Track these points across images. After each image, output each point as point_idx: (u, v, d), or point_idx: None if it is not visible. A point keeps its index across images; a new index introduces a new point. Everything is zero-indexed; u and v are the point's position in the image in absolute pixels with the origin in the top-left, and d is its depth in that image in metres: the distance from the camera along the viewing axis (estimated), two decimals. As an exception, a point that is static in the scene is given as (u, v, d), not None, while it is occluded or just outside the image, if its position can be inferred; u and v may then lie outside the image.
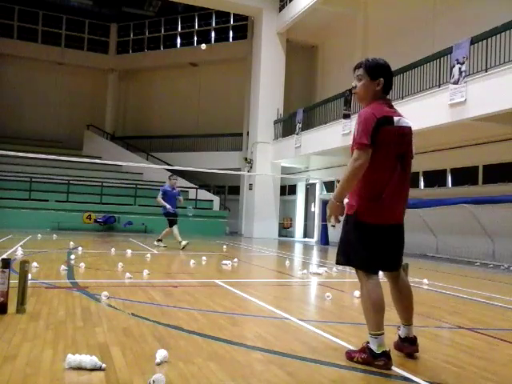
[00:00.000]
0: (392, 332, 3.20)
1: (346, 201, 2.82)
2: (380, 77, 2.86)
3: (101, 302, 4.28)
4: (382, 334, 2.74)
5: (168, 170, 20.31)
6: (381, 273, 3.00)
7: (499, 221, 10.43)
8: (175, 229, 11.35)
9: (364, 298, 2.83)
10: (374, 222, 2.79)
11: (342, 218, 2.87)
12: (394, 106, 2.96)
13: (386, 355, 2.70)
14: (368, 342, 2.78)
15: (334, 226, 2.95)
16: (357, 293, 5.17)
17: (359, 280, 2.90)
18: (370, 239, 2.81)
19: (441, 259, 11.61)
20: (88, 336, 3.12)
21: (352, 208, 2.83)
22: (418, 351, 2.99)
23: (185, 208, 12.10)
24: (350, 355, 2.84)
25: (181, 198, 11.67)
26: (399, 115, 2.88)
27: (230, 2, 19.09)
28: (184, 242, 10.97)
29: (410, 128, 2.93)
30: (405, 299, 3.04)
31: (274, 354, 2.92)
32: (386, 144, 2.75)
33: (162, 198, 11.23)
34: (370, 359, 2.73)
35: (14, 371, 2.40)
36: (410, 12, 15.02)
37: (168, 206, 11.11)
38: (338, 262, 2.99)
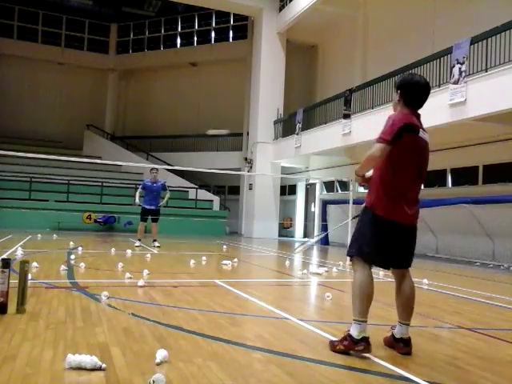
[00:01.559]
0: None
1: (368, 174, 3.11)
2: (398, 89, 3.14)
3: (101, 301, 4.29)
4: (365, 321, 2.92)
5: (168, 169, 20.38)
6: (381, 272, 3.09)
7: (499, 221, 10.43)
8: (141, 225, 10.98)
9: (355, 285, 3.00)
10: (388, 217, 2.97)
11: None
12: (421, 121, 3.15)
13: (365, 340, 2.88)
14: (349, 330, 2.93)
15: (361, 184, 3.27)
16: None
17: (353, 268, 3.09)
18: (381, 233, 2.99)
19: (441, 259, 11.61)
20: (88, 336, 3.12)
21: (370, 202, 3.05)
22: (411, 353, 3.04)
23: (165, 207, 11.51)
24: (332, 345, 3.00)
25: (167, 194, 11.07)
26: (423, 129, 3.10)
27: (230, 2, 19.09)
28: (138, 243, 10.59)
29: (427, 143, 3.14)
30: (408, 299, 3.13)
31: (273, 354, 2.92)
32: (409, 149, 2.99)
33: (143, 194, 10.87)
34: (351, 345, 2.88)
35: (14, 371, 2.40)
36: (409, 12, 15.01)
37: (136, 202, 10.81)
38: (350, 254, 3.16)
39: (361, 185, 3.27)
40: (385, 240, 2.99)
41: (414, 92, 3.09)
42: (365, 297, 2.94)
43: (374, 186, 3.07)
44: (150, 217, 11.09)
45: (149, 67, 25.89)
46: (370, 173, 3.12)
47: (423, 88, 3.10)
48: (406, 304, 3.11)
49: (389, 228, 2.98)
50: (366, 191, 3.21)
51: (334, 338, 3.16)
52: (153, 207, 10.96)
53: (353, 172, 3.26)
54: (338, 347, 2.94)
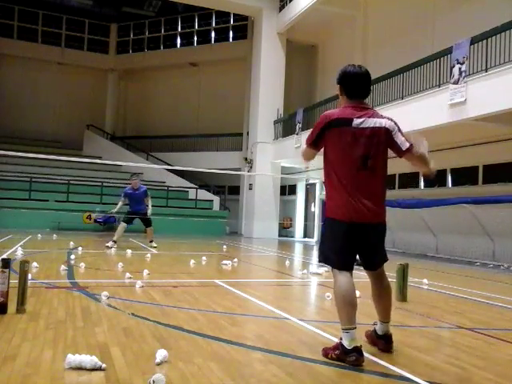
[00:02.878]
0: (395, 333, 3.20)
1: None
2: (338, 83, 3.11)
3: (101, 301, 4.29)
4: (354, 328, 2.81)
5: (168, 169, 20.38)
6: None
7: (499, 221, 10.43)
8: (122, 226, 10.67)
9: (335, 294, 2.94)
10: (339, 218, 2.93)
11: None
12: (372, 109, 3.06)
13: (357, 351, 2.77)
14: (341, 339, 2.86)
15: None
16: (357, 293, 5.17)
17: (332, 275, 3.01)
18: (337, 235, 2.95)
19: (441, 259, 11.60)
20: (88, 336, 3.12)
21: (325, 206, 3.06)
22: (392, 349, 3.06)
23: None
24: (325, 352, 2.92)
25: (148, 201, 10.69)
26: (371, 116, 2.97)
27: (230, 1, 19.09)
28: (110, 244, 10.12)
29: (380, 128, 2.97)
30: (384, 298, 3.12)
31: (273, 354, 2.92)
32: (340, 144, 2.92)
33: (126, 203, 10.65)
34: (342, 355, 2.79)
35: (14, 371, 2.40)
36: (409, 12, 15.01)
37: (113, 211, 10.83)
38: (319, 260, 3.17)
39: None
40: (340, 241, 2.93)
41: (351, 83, 3.03)
42: (348, 303, 2.85)
43: (326, 191, 3.08)
44: (139, 220, 10.86)
45: (149, 67, 25.88)
46: None
47: (359, 76, 3.02)
48: (382, 304, 3.10)
49: (337, 228, 2.93)
50: None
51: (327, 345, 3.06)
52: (138, 210, 10.68)
53: None
54: (329, 355, 2.86)
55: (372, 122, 2.96)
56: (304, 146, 3.12)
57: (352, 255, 2.99)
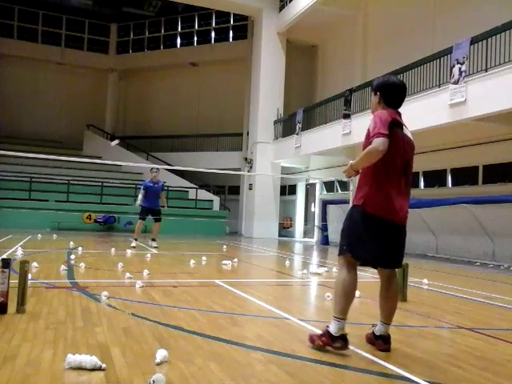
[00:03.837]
0: (391, 332, 3.20)
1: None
2: (378, 91, 3.21)
3: (101, 301, 4.29)
4: (344, 319, 2.97)
5: (168, 169, 20.37)
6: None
7: (499, 221, 10.43)
8: (139, 223, 10.92)
9: (338, 283, 3.04)
10: (379, 214, 2.97)
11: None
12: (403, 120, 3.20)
13: (343, 338, 2.93)
14: (328, 326, 2.98)
15: (349, 178, 3.30)
16: (357, 293, 5.16)
17: (339, 265, 3.09)
18: (373, 230, 2.98)
19: (441, 259, 11.61)
20: (88, 336, 3.12)
21: (360, 199, 3.04)
22: (389, 350, 3.09)
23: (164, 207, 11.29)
24: (311, 338, 3.06)
25: (163, 196, 11.04)
26: (407, 128, 3.17)
27: (230, 1, 19.09)
28: (134, 243, 10.37)
29: (413, 142, 3.18)
30: (393, 301, 3.17)
31: (273, 354, 2.92)
32: (396, 145, 2.99)
33: (144, 195, 10.75)
34: (329, 342, 2.94)
35: (14, 371, 2.40)
36: (409, 12, 15.01)
37: (138, 202, 10.81)
38: (341, 252, 3.12)
39: (350, 177, 3.17)
40: (376, 238, 2.98)
41: (392, 93, 3.18)
42: (347, 295, 2.98)
43: (364, 183, 3.06)
44: (151, 216, 11.02)
45: (149, 67, 25.88)
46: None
47: (401, 88, 3.22)
48: (390, 306, 3.15)
49: (380, 226, 2.98)
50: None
51: (314, 332, 3.21)
52: (153, 206, 10.88)
53: None
54: (316, 342, 3.00)
55: (408, 133, 3.16)
56: (378, 139, 2.85)
57: (379, 249, 3.01)
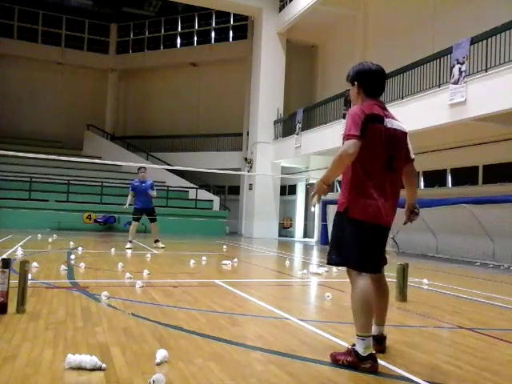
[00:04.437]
0: (391, 332, 3.19)
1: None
2: (355, 81, 2.99)
3: (101, 301, 4.29)
4: (370, 336, 2.73)
5: (168, 169, 20.38)
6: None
7: (499, 221, 10.43)
8: (133, 225, 10.79)
9: (355, 299, 2.79)
10: (364, 219, 2.80)
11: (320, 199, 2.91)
12: (389, 109, 3.01)
13: (372, 358, 2.68)
14: (354, 345, 2.76)
15: (314, 206, 3.02)
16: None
17: (351, 280, 2.88)
18: (363, 237, 2.80)
19: (441, 259, 11.60)
20: (88, 336, 3.12)
21: (343, 205, 2.87)
22: (384, 351, 3.00)
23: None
24: (334, 358, 2.80)
25: (153, 192, 10.75)
26: (392, 118, 2.95)
27: (230, 1, 19.08)
28: (129, 245, 10.20)
29: (402, 132, 2.97)
30: (383, 300, 3.07)
31: (273, 354, 2.92)
32: (374, 141, 2.79)
33: (133, 195, 10.66)
34: (356, 362, 2.69)
35: (14, 371, 2.40)
36: (409, 12, 15.01)
37: (125, 206, 10.77)
38: (331, 262, 2.99)
39: (319, 197, 2.85)
40: (366, 243, 2.81)
41: (371, 80, 2.97)
42: (366, 309, 2.74)
43: (344, 188, 2.89)
44: (145, 216, 10.93)
45: (149, 67, 25.88)
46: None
47: (379, 74, 2.99)
48: (383, 306, 3.05)
49: (366, 230, 2.80)
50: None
51: (336, 351, 2.95)
52: (145, 206, 10.75)
53: None
54: (341, 361, 2.75)
55: (396, 124, 2.94)
56: (345, 145, 2.72)
57: (374, 255, 2.87)
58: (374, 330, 3.01)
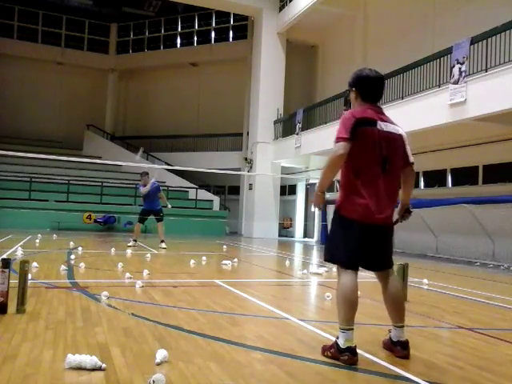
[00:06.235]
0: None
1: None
2: (353, 87, 3.11)
3: (101, 301, 4.29)
4: (351, 329, 2.83)
5: (168, 169, 20.37)
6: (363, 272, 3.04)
7: (499, 221, 10.43)
8: (137, 226, 11.13)
9: (337, 293, 2.92)
10: (354, 217, 2.90)
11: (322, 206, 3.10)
12: (385, 113, 3.09)
13: (350, 350, 2.77)
14: (337, 337, 2.87)
15: (319, 208, 3.22)
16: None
17: (337, 274, 3.00)
18: (350, 234, 2.92)
19: (441, 259, 11.60)
20: (88, 336, 3.12)
21: (337, 203, 3.01)
22: (409, 356, 2.97)
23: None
24: (323, 349, 2.96)
25: (162, 195, 11.23)
26: (387, 121, 3.03)
27: (230, 1, 19.09)
28: (132, 243, 10.57)
29: (398, 135, 3.05)
30: (394, 300, 3.08)
31: (273, 354, 2.92)
32: (366, 144, 2.89)
33: (143, 198, 11.00)
34: (337, 354, 2.82)
35: (14, 371, 2.40)
36: (409, 12, 15.01)
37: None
38: (325, 259, 3.12)
39: (319, 206, 3.08)
40: (353, 241, 2.90)
41: (368, 87, 3.06)
42: (348, 304, 2.84)
43: (340, 187, 3.02)
44: (153, 217, 11.08)
45: (149, 67, 25.89)
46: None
47: (377, 80, 3.08)
48: (394, 306, 3.05)
49: (354, 228, 2.90)
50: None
51: (327, 343, 3.08)
52: (153, 207, 10.93)
53: None
54: (325, 353, 2.89)
55: (391, 127, 3.02)
56: (335, 147, 2.85)
57: (361, 255, 2.94)
58: (394, 334, 3.03)
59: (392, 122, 3.05)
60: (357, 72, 3.14)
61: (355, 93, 3.09)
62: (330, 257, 3.06)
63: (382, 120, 2.99)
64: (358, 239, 2.91)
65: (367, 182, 2.90)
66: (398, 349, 2.98)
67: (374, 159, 2.91)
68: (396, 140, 3.01)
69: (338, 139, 2.87)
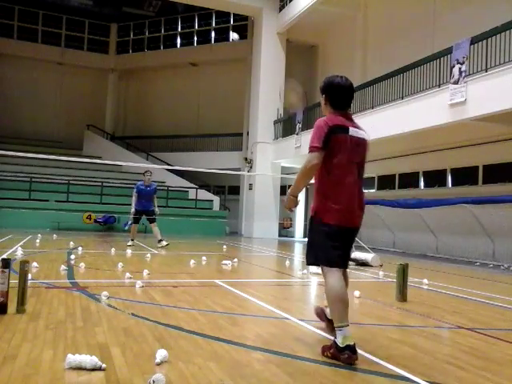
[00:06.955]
0: (391, 332, 3.19)
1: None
2: (323, 93, 3.18)
3: (101, 301, 4.29)
4: (346, 325, 2.85)
5: (168, 169, 20.38)
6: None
7: (499, 221, 10.43)
8: (133, 227, 11.15)
9: (328, 293, 2.97)
10: (330, 222, 3.00)
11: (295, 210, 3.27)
12: (354, 120, 3.20)
13: (350, 349, 2.78)
14: (335, 337, 2.89)
15: (291, 211, 3.33)
16: (357, 293, 5.17)
17: (323, 276, 3.07)
18: (329, 236, 3.00)
19: (441, 259, 11.60)
20: (88, 336, 3.12)
21: (313, 210, 3.10)
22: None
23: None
24: (322, 350, 2.97)
25: (155, 198, 11.07)
26: (357, 127, 3.13)
27: (230, 1, 19.08)
28: (130, 243, 10.70)
29: (365, 140, 3.17)
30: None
31: (273, 354, 2.92)
32: (339, 150, 2.99)
33: (137, 198, 10.88)
34: (336, 353, 2.82)
35: (14, 371, 2.41)
36: (409, 12, 15.01)
37: (133, 210, 10.91)
38: (308, 263, 3.21)
39: (291, 209, 3.22)
40: (333, 241, 3.00)
41: (337, 94, 3.13)
42: (340, 301, 2.90)
43: (315, 194, 3.11)
44: (144, 217, 11.13)
45: (149, 67, 25.89)
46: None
47: (346, 89, 3.13)
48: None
49: (332, 230, 2.99)
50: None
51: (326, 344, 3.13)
52: (146, 208, 10.95)
53: None
54: (325, 353, 2.90)
55: (360, 133, 3.13)
56: (309, 156, 2.97)
57: (342, 253, 3.05)
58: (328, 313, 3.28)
59: (361, 128, 3.16)
60: (328, 78, 3.20)
61: (325, 99, 3.16)
62: (313, 260, 3.14)
63: (353, 126, 3.09)
64: (337, 240, 3.01)
65: (342, 187, 3.01)
66: (330, 325, 3.20)
67: (347, 165, 3.02)
68: (365, 145, 3.15)
69: (311, 148, 2.96)
